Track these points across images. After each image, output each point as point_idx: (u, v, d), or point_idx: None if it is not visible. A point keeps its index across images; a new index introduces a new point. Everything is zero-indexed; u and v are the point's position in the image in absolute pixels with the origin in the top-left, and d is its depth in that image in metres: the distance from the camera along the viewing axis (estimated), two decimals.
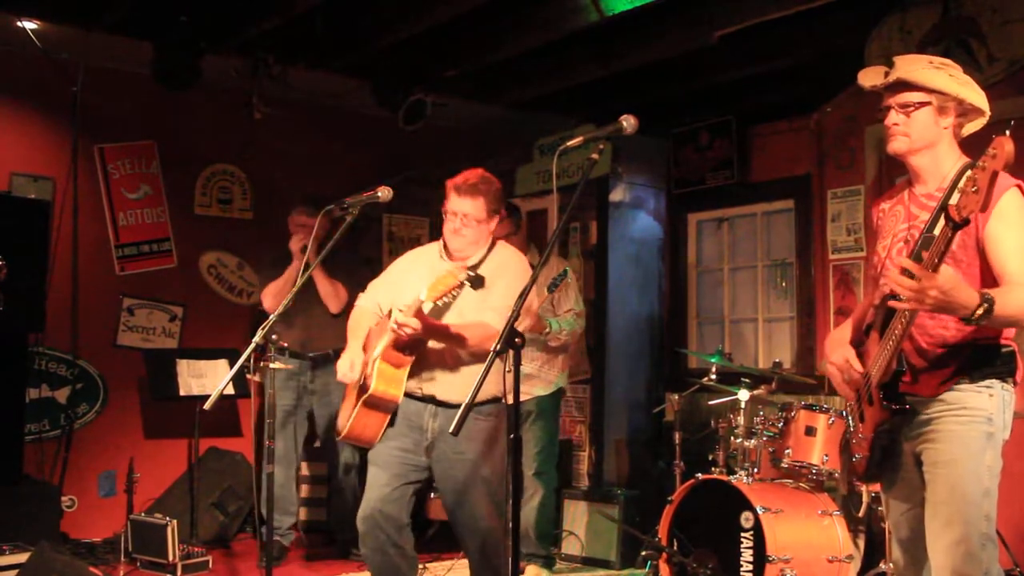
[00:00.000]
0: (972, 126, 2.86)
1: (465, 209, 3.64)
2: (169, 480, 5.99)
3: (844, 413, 3.07)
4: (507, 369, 2.78)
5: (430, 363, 3.58)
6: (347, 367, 3.60)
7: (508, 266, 3.70)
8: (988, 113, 2.83)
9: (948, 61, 2.84)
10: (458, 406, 3.54)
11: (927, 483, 2.71)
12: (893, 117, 2.80)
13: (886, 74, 2.81)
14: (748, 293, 6.57)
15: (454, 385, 3.57)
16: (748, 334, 6.55)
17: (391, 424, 3.61)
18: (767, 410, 4.85)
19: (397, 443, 3.61)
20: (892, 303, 2.57)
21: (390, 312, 3.52)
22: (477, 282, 3.45)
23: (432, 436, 3.60)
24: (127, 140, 6.22)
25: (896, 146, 2.81)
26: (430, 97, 6.11)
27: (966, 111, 2.80)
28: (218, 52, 5.52)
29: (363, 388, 3.56)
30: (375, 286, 3.86)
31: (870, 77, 2.87)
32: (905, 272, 2.43)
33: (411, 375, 3.57)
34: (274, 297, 5.40)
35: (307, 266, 4.05)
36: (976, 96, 2.79)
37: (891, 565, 3.21)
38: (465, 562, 5.32)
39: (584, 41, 5.58)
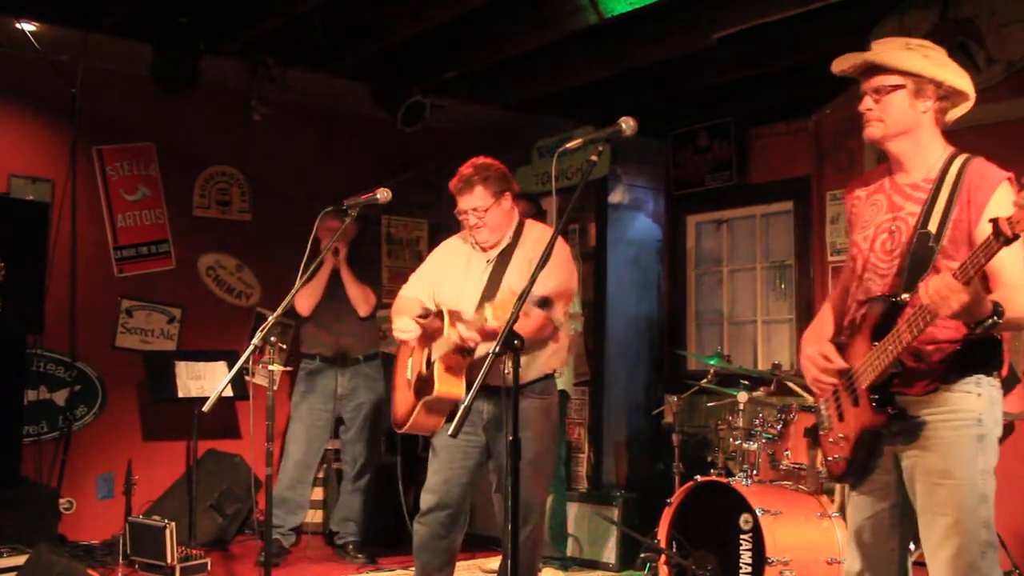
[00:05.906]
0: (956, 111, 2.70)
1: (470, 204, 3.69)
2: (167, 482, 5.98)
3: (816, 408, 2.98)
4: (506, 371, 2.77)
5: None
6: (406, 325, 3.63)
7: (543, 245, 3.72)
8: (972, 95, 2.67)
9: (926, 42, 2.69)
10: (507, 390, 3.59)
11: (919, 495, 2.61)
12: (867, 103, 2.67)
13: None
14: (747, 295, 6.57)
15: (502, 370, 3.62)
16: (747, 336, 6.55)
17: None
18: (766, 412, 4.84)
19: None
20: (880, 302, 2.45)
21: (439, 312, 3.56)
22: (545, 303, 3.45)
23: (487, 416, 3.67)
24: (126, 142, 6.22)
25: (871, 132, 2.67)
26: (429, 98, 6.11)
27: (947, 94, 2.64)
28: (217, 53, 5.52)
29: (422, 385, 3.59)
30: (417, 276, 3.92)
31: (840, 63, 2.75)
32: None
33: None
34: (306, 299, 5.49)
35: (307, 268, 4.02)
36: (955, 77, 2.64)
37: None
38: (470, 563, 5.36)
39: (583, 42, 5.57)
